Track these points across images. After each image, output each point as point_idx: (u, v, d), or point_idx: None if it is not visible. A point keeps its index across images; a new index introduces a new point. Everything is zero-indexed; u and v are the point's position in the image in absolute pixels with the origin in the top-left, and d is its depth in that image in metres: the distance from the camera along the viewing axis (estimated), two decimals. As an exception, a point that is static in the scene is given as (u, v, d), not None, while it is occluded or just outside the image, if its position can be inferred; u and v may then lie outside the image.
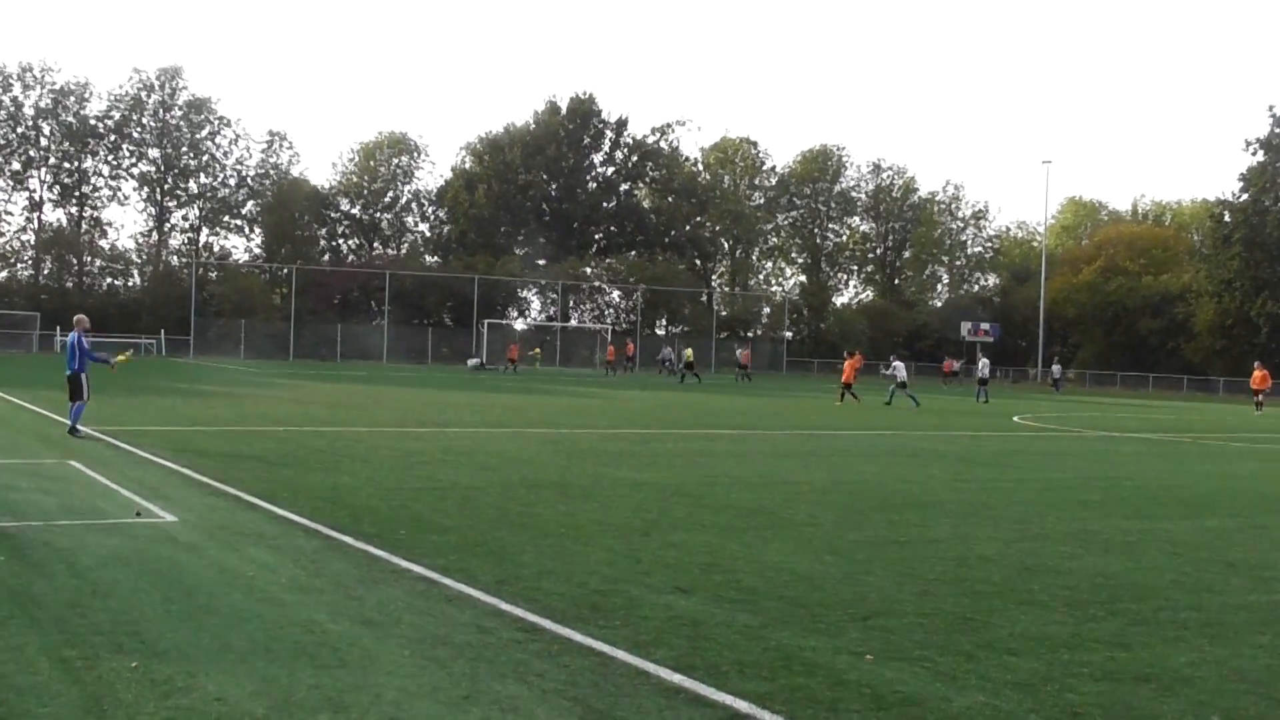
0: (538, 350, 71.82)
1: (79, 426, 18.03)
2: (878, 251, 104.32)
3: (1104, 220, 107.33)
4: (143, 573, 8.56)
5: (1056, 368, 71.84)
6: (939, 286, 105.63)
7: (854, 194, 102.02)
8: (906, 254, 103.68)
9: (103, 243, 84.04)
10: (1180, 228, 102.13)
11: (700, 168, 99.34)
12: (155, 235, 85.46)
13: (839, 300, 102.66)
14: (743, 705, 5.95)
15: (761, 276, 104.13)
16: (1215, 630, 8.06)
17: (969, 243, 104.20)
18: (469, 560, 9.33)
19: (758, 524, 11.96)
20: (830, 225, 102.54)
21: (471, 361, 66.74)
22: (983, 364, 50.88)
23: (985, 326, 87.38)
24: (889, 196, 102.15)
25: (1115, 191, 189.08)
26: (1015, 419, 35.32)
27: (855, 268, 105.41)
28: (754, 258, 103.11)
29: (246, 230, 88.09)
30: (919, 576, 9.46)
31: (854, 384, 39.80)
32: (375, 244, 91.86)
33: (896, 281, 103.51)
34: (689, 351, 59.63)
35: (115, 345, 34.48)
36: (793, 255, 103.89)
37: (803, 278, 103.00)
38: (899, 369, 40.64)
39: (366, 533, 10.37)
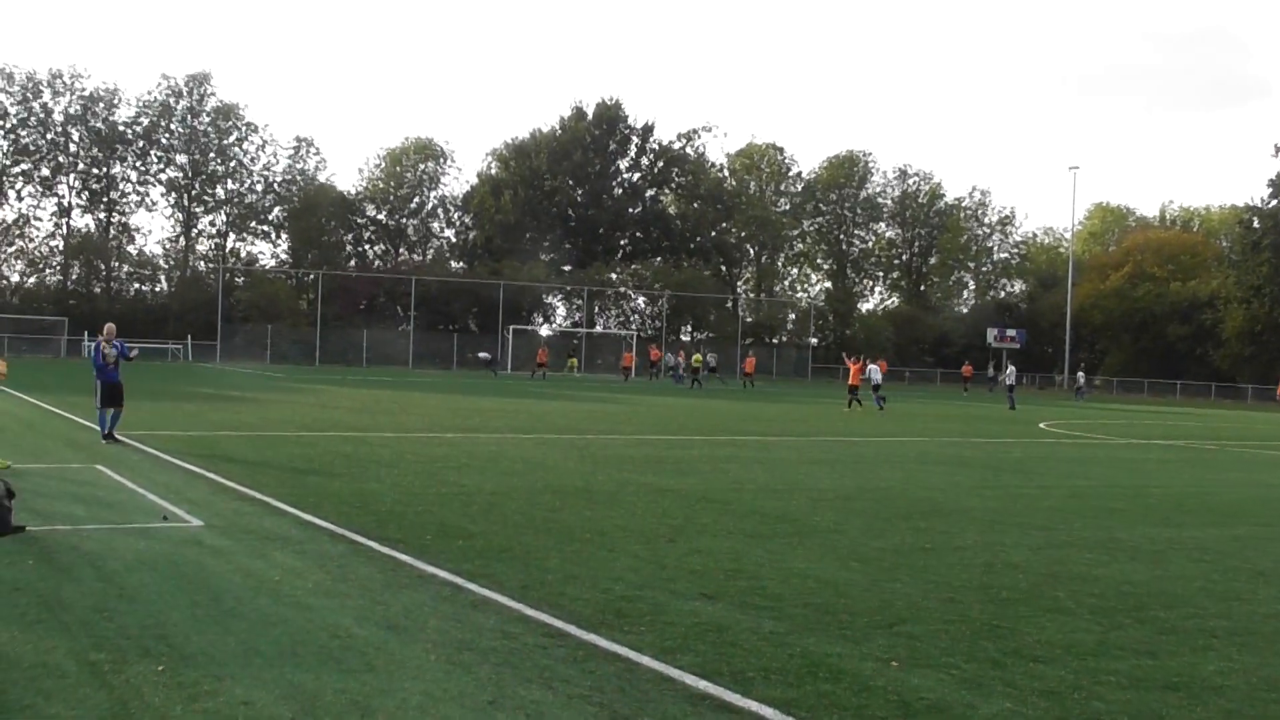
0: (573, 359, 71.53)
1: (112, 432, 18.11)
2: (903, 258, 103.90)
3: (1131, 226, 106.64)
4: (169, 577, 8.61)
5: (1081, 375, 71.54)
6: (965, 293, 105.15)
7: (880, 200, 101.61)
8: (932, 260, 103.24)
9: (130, 248, 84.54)
10: (1209, 233, 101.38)
11: (726, 174, 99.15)
12: (182, 241, 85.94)
13: (864, 306, 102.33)
14: (768, 712, 5.95)
15: (787, 283, 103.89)
16: (1244, 639, 8.00)
17: (995, 249, 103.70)
18: (494, 566, 9.35)
19: (783, 530, 11.94)
20: (856, 231, 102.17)
21: (483, 355, 66.56)
22: (1009, 371, 50.66)
23: (1012, 333, 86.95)
24: (915, 202, 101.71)
25: (1143, 197, 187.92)
26: (1042, 425, 35.15)
27: (881, 274, 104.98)
28: (779, 264, 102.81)
29: (273, 236, 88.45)
30: (945, 583, 9.43)
31: (859, 388, 39.79)
32: (401, 250, 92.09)
33: (922, 288, 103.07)
34: (697, 356, 59.47)
35: (145, 350, 33.95)
36: (818, 261, 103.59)
37: (828, 284, 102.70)
38: (874, 371, 41.49)
39: (392, 538, 10.41)
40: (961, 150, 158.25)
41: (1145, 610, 8.77)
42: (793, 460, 20.22)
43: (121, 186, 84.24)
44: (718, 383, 61.38)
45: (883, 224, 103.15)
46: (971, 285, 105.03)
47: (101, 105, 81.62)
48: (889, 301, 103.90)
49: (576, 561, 9.70)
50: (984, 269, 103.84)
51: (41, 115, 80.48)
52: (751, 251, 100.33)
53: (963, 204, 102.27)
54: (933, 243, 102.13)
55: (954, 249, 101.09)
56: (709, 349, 69.78)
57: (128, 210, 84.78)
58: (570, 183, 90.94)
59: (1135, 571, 10.39)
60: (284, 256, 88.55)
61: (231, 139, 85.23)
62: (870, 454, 22.34)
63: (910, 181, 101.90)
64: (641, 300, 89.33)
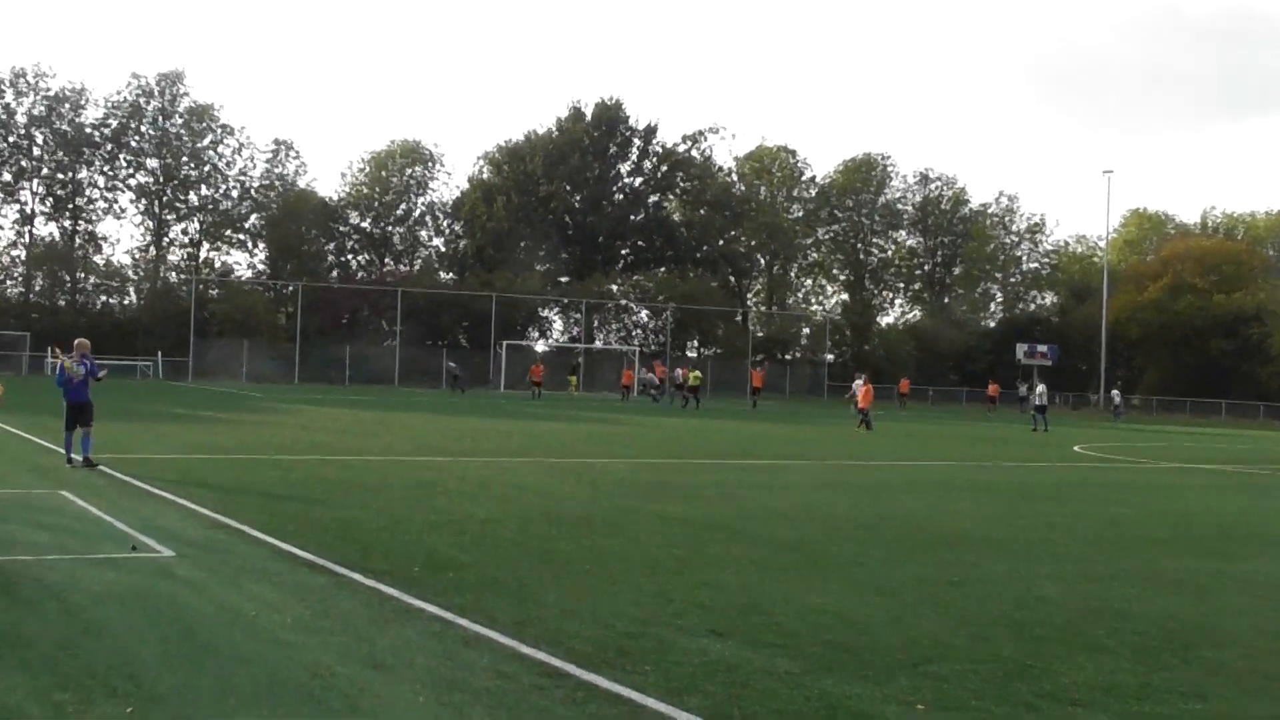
0: (573, 377, 71.42)
1: (88, 457, 18.01)
2: (926, 268, 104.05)
3: (1171, 234, 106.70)
4: (139, 611, 8.59)
5: (1115, 394, 71.52)
6: (992, 305, 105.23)
7: (900, 206, 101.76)
8: (957, 270, 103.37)
9: (97, 258, 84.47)
10: (1254, 241, 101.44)
11: (734, 178, 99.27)
12: (153, 250, 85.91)
13: (884, 320, 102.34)
14: (784, 758, 5.91)
15: (800, 295, 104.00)
16: (1299, 680, 7.96)
17: (1024, 258, 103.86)
18: (487, 599, 9.32)
19: (798, 561, 11.92)
20: (874, 240, 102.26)
21: (451, 365, 66.30)
22: (1039, 390, 50.58)
23: (1042, 348, 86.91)
24: (937, 209, 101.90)
25: (1183, 203, 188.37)
26: (1076, 449, 35.12)
27: (901, 285, 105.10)
28: (792, 274, 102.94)
29: (250, 245, 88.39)
30: (973, 619, 9.40)
31: (867, 409, 40.15)
32: (386, 260, 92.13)
33: (946, 300, 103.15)
34: (696, 373, 58.73)
35: (113, 367, 33.72)
36: (834, 272, 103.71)
37: (845, 296, 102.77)
38: (859, 385, 42.60)
39: (377, 569, 10.38)
40: (987, 153, 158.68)
41: (1192, 649, 8.72)
42: (807, 485, 20.22)
43: (88, 192, 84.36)
44: (665, 400, 61.10)
45: (903, 232, 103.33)
46: (999, 297, 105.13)
47: (67, 106, 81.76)
48: (910, 315, 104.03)
49: (576, 595, 9.67)
50: (1012, 280, 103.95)
51: (3, 117, 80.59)
52: (762, 261, 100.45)
53: (989, 210, 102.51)
54: (957, 252, 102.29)
55: (980, 258, 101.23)
56: (685, 365, 69.19)
57: (95, 218, 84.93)
58: (567, 188, 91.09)
59: (1180, 607, 10.34)
60: (261, 267, 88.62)
61: (205, 142, 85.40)
62: (891, 479, 22.31)
63: (932, 186, 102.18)
64: (644, 314, 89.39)
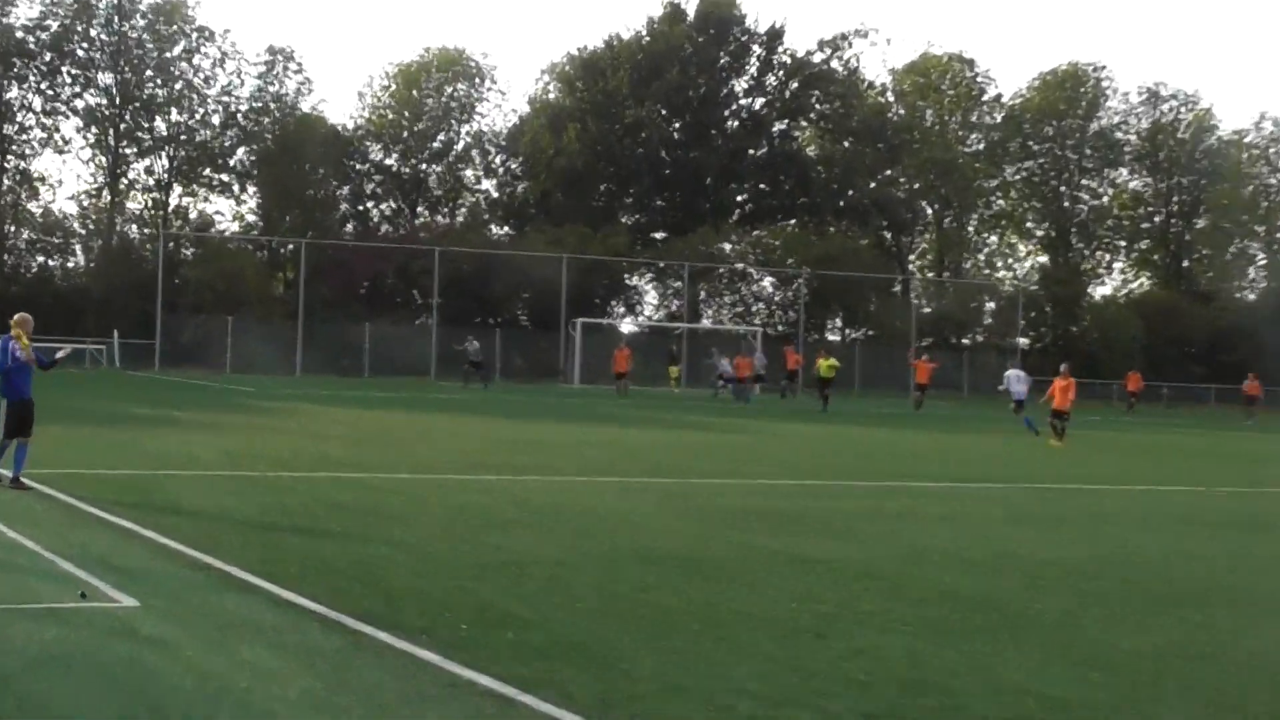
0: (675, 368, 71.47)
1: (18, 476, 18.17)
2: (1157, 220, 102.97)
3: None
4: (90, 679, 8.67)
5: None
6: (1251, 271, 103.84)
7: (1120, 135, 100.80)
8: (1200, 223, 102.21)
9: (33, 205, 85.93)
10: None
11: (891, 98, 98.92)
12: (107, 195, 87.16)
13: (1099, 291, 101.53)
14: None
15: (982, 257, 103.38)
16: None
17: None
18: (560, 669, 9.34)
19: (986, 623, 11.86)
20: (1084, 181, 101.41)
21: (472, 346, 64.88)
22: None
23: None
24: (1172, 139, 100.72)
25: None
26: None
27: (1123, 244, 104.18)
28: (971, 229, 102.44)
29: (236, 189, 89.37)
30: (1233, 705, 9.31)
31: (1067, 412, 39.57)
32: (420, 209, 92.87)
33: (1185, 263, 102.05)
34: (831, 361, 57.69)
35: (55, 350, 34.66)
36: (1028, 226, 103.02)
37: (1044, 259, 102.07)
38: (1012, 379, 45.36)
39: (411, 627, 10.42)
40: (1239, 63, 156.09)
41: None
42: (995, 518, 20.13)
43: (20, 118, 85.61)
44: (753, 396, 60.96)
45: (1124, 170, 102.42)
46: (1261, 259, 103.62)
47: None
48: (1135, 284, 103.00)
49: (680, 665, 9.66)
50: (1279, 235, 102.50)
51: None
52: (929, 211, 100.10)
53: (1245, 139, 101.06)
54: (1200, 198, 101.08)
55: (1233, 207, 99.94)
56: (746, 350, 68.57)
57: (30, 152, 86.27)
58: (663, 112, 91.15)
59: None
60: (252, 218, 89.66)
61: (177, 50, 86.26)
62: (1112, 509, 22.14)
63: (1164, 109, 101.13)
64: (769, 282, 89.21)
